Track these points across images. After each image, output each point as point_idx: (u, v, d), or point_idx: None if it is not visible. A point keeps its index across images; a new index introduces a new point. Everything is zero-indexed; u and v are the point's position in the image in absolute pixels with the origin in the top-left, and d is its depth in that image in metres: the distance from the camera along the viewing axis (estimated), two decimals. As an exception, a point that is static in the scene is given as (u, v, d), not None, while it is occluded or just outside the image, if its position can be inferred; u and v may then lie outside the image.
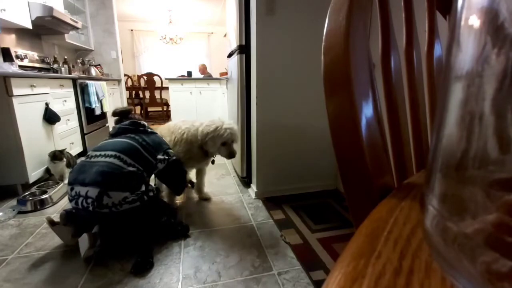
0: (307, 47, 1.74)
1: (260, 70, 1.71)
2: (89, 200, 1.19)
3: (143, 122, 1.56)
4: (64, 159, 2.10)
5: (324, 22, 0.26)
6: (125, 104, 4.64)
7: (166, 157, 1.48)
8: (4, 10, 2.22)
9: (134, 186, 1.29)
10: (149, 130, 1.54)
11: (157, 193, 1.44)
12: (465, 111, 0.13)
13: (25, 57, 2.83)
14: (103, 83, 3.40)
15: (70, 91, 2.73)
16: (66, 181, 2.10)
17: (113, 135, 1.48)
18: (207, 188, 2.03)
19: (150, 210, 1.34)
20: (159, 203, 1.43)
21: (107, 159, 1.28)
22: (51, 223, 1.28)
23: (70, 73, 3.32)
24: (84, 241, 1.21)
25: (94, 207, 1.19)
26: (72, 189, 1.25)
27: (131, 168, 1.29)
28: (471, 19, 0.12)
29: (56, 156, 2.06)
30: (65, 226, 1.28)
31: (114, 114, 1.64)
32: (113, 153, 1.30)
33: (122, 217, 1.25)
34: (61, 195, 1.90)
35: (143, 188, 1.33)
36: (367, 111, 0.26)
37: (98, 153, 1.32)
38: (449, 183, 0.14)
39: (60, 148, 2.16)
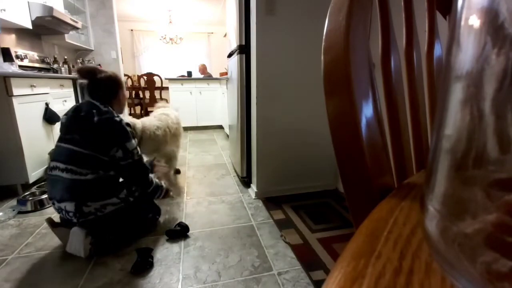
0: (307, 47, 1.74)
1: (260, 70, 1.72)
2: (71, 214, 1.21)
3: (92, 102, 1.28)
4: None
5: (324, 22, 0.26)
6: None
7: (121, 156, 1.26)
8: (4, 10, 2.22)
9: (108, 191, 1.25)
10: (96, 118, 1.22)
11: (140, 193, 1.39)
12: (465, 111, 0.13)
13: (25, 57, 2.83)
14: (103, 83, 3.40)
15: (70, 91, 2.73)
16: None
17: (63, 125, 1.28)
18: (208, 188, 2.04)
19: (137, 209, 1.37)
20: (145, 201, 1.44)
21: (62, 174, 1.20)
22: (52, 224, 1.28)
23: (70, 73, 3.32)
24: (76, 240, 1.22)
25: (78, 218, 1.21)
26: (53, 203, 1.26)
27: (89, 176, 1.20)
28: (471, 19, 0.12)
29: None
30: (65, 227, 1.28)
31: (79, 72, 1.35)
32: (63, 166, 1.20)
33: (110, 217, 1.27)
34: (61, 195, 1.90)
35: (125, 192, 1.31)
36: (367, 111, 0.26)
37: (54, 164, 1.24)
38: (449, 183, 0.14)
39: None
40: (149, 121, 1.94)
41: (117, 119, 1.28)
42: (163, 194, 1.51)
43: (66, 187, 1.19)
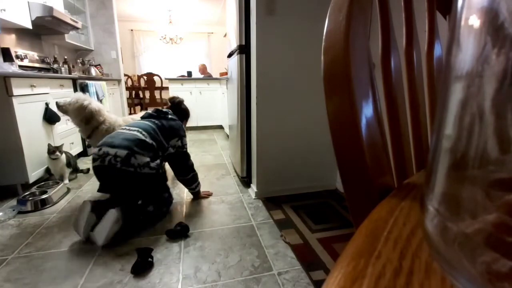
0: (307, 47, 1.74)
1: (260, 70, 1.71)
2: (118, 159, 1.42)
3: (166, 110, 1.87)
4: (58, 153, 2.03)
5: (324, 22, 0.26)
6: (125, 104, 4.64)
7: (179, 145, 1.75)
8: (4, 10, 2.22)
9: (152, 156, 1.54)
10: (170, 116, 1.80)
11: (164, 173, 1.72)
12: (465, 111, 0.13)
13: (25, 57, 2.83)
14: (103, 83, 3.40)
15: (70, 91, 2.73)
16: (66, 181, 2.11)
17: (142, 117, 1.82)
18: (208, 188, 2.03)
19: (159, 185, 1.64)
20: (165, 183, 1.72)
21: (131, 132, 1.56)
22: (92, 205, 1.38)
23: (70, 73, 3.32)
24: (106, 222, 1.31)
25: (122, 165, 1.41)
26: (100, 149, 1.47)
27: (148, 139, 1.56)
28: (471, 19, 0.12)
29: (50, 150, 2.01)
30: (96, 216, 1.38)
31: (171, 100, 2.05)
32: (136, 128, 1.60)
33: (140, 180, 1.47)
34: (61, 195, 1.89)
35: (158, 162, 1.57)
36: (367, 111, 0.26)
37: (127, 127, 1.63)
38: (449, 183, 0.14)
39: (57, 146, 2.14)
40: (123, 120, 2.15)
41: (180, 123, 1.84)
42: (198, 188, 1.89)
43: (127, 138, 1.50)
